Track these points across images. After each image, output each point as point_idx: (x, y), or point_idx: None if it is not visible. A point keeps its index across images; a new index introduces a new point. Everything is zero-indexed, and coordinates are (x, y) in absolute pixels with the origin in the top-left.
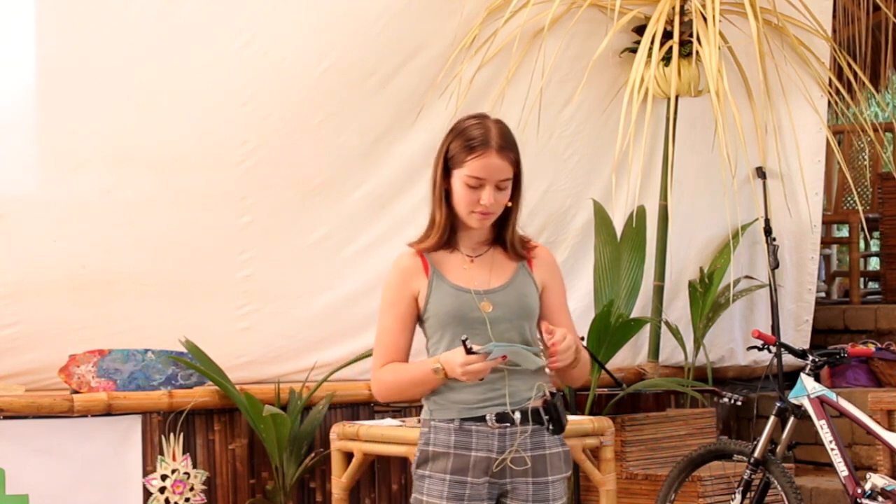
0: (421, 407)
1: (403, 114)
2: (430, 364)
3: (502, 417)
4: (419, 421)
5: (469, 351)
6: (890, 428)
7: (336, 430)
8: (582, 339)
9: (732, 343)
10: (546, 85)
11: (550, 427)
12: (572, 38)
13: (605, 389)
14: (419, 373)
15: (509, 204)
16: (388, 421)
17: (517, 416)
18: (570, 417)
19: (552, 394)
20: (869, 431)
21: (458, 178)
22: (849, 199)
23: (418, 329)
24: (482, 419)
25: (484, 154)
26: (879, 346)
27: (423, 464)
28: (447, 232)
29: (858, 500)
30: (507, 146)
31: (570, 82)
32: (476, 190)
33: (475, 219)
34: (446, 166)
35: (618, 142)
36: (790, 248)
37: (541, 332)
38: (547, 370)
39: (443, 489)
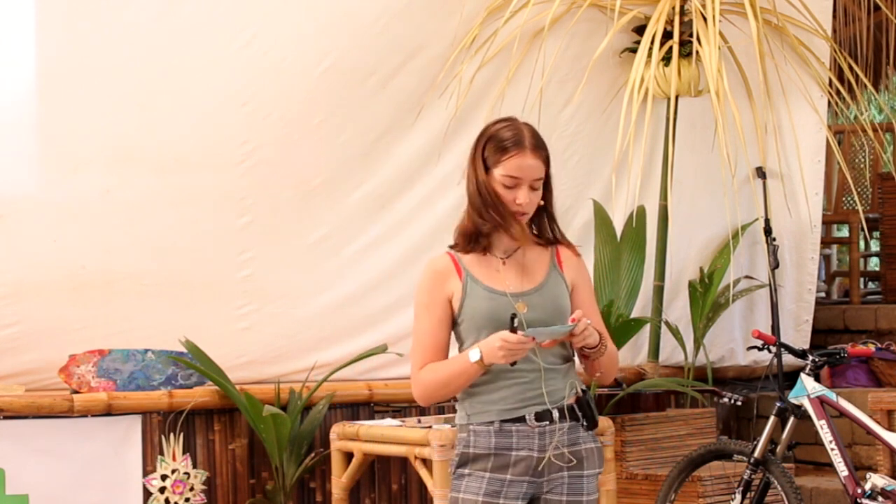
0: (419, 409)
1: (403, 114)
2: (468, 352)
3: (541, 415)
4: (419, 421)
5: (513, 329)
6: (890, 428)
7: (336, 430)
8: None
9: (732, 343)
10: (546, 85)
11: (585, 423)
12: (572, 38)
13: (605, 389)
14: (458, 364)
15: (541, 203)
16: (388, 421)
17: (555, 413)
18: None
19: (583, 391)
20: (869, 431)
21: (493, 179)
22: (849, 199)
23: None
24: (521, 419)
25: (518, 154)
26: (879, 346)
27: (463, 465)
28: (492, 233)
29: (858, 500)
30: (540, 145)
31: (570, 82)
32: (511, 190)
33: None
34: (486, 168)
35: (618, 142)
36: (790, 248)
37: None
38: (577, 362)
39: (480, 486)
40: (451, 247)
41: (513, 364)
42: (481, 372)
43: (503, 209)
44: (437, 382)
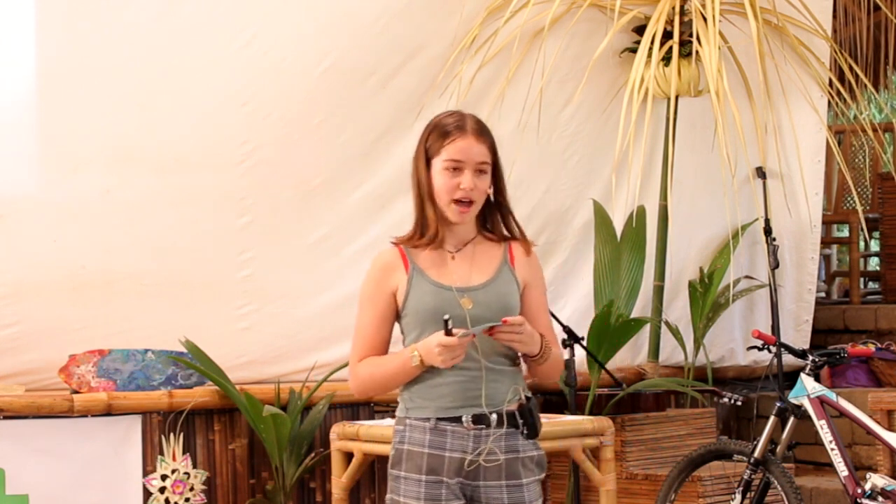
0: None
1: (403, 114)
2: (407, 352)
3: (478, 419)
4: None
5: (448, 331)
6: (890, 428)
7: (336, 430)
8: (581, 339)
9: (732, 343)
10: (546, 85)
11: (525, 431)
12: (572, 38)
13: (605, 389)
14: (396, 363)
15: (489, 192)
16: (388, 421)
17: (493, 418)
18: (570, 417)
19: (527, 398)
20: (869, 431)
21: (438, 166)
22: (849, 199)
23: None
24: (458, 419)
25: (460, 136)
26: (879, 346)
27: (397, 464)
28: (437, 226)
29: (858, 500)
30: (483, 131)
31: (570, 82)
32: (455, 175)
33: (454, 211)
34: (426, 159)
35: (618, 142)
36: (790, 248)
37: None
38: (520, 366)
39: (419, 490)
40: (399, 239)
41: (451, 373)
42: (418, 371)
43: (442, 199)
44: (374, 378)
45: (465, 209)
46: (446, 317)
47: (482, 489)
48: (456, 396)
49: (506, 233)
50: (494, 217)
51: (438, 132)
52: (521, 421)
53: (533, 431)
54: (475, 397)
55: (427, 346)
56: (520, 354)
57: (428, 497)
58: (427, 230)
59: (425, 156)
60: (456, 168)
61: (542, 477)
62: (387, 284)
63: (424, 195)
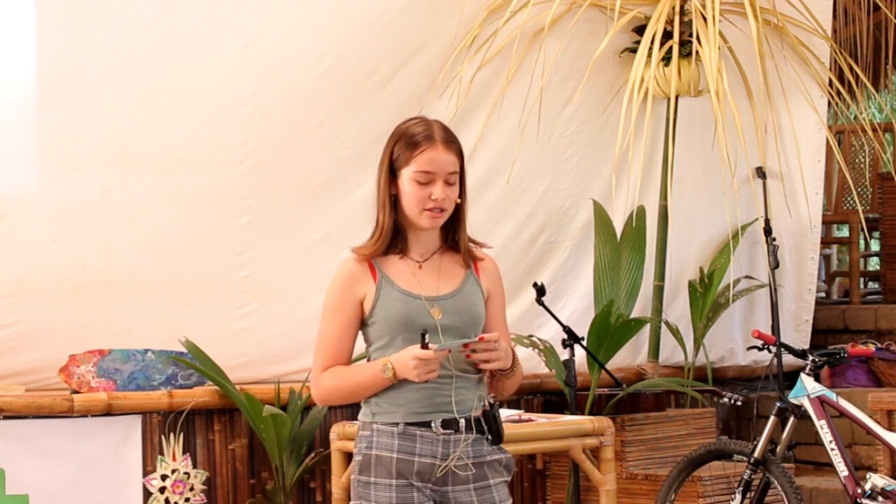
0: None
1: (403, 114)
2: (378, 364)
3: (448, 424)
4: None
5: (424, 345)
6: (890, 428)
7: (336, 430)
8: (581, 339)
9: (732, 343)
10: (546, 85)
11: (489, 437)
12: (572, 38)
13: (605, 389)
14: (366, 374)
15: (458, 201)
16: None
17: (462, 423)
18: (570, 417)
19: (491, 404)
20: (869, 431)
21: (407, 176)
22: (849, 199)
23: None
24: (427, 424)
25: (430, 147)
26: (879, 346)
27: (366, 469)
28: (390, 235)
29: (858, 500)
30: (451, 139)
31: (570, 82)
32: (426, 186)
33: (427, 218)
34: (391, 169)
35: (618, 142)
36: (790, 248)
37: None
38: (484, 376)
39: (391, 494)
40: (363, 247)
41: (425, 382)
42: (389, 384)
43: (413, 210)
44: (341, 389)
45: (437, 216)
46: (424, 331)
47: (451, 494)
48: (425, 402)
49: (472, 255)
50: (456, 227)
51: (406, 142)
52: (485, 427)
53: (497, 437)
54: (444, 403)
55: (402, 359)
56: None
57: (400, 501)
58: (381, 239)
59: (391, 166)
60: (427, 181)
61: (509, 479)
62: (354, 293)
63: (381, 204)
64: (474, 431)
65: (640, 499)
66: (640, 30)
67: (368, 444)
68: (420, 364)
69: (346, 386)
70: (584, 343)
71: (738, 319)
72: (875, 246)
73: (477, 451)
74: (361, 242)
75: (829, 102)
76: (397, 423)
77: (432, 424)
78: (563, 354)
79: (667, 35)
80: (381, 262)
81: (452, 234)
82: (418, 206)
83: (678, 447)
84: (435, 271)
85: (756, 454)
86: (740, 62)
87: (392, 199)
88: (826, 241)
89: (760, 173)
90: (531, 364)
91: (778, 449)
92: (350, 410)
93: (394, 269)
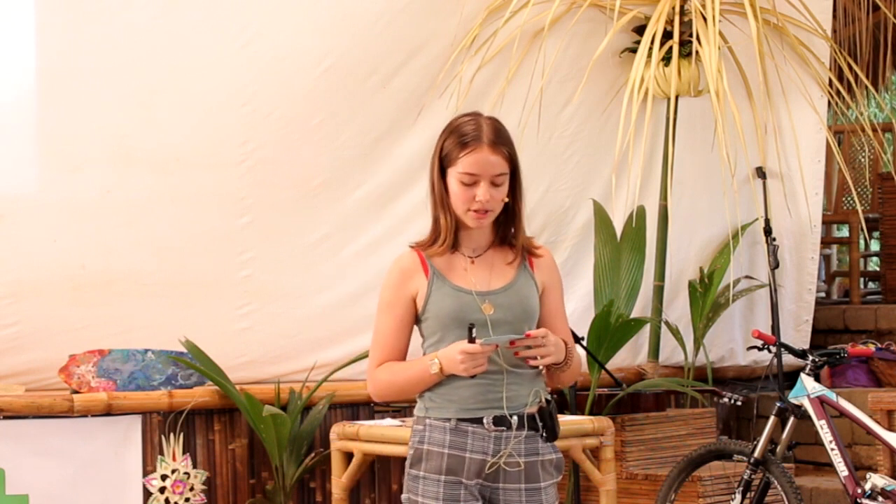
0: None
1: (403, 114)
2: (427, 360)
3: (499, 420)
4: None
5: (472, 339)
6: (890, 428)
7: (336, 430)
8: (581, 339)
9: (732, 343)
10: (546, 85)
11: (544, 434)
12: (572, 38)
13: (605, 389)
14: (416, 370)
15: (507, 200)
16: (388, 421)
17: (514, 420)
18: (570, 417)
19: (547, 401)
20: (869, 431)
21: (453, 176)
22: (849, 199)
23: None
24: (479, 420)
25: (476, 149)
26: (879, 346)
27: (416, 463)
28: (452, 233)
29: (858, 500)
30: (500, 141)
31: (570, 82)
32: (471, 187)
33: (472, 217)
34: (441, 166)
35: (618, 142)
36: (790, 248)
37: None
38: (541, 370)
39: (438, 490)
40: (418, 244)
41: (473, 377)
42: (438, 380)
43: (459, 209)
44: (393, 385)
45: (482, 216)
46: (472, 324)
47: (501, 491)
48: (477, 398)
49: (527, 250)
50: (508, 224)
51: (455, 140)
52: (540, 424)
53: (552, 434)
54: (496, 399)
55: (449, 354)
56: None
57: (446, 497)
58: (440, 237)
59: (440, 163)
60: (472, 182)
61: (559, 479)
62: (407, 289)
63: (437, 203)
64: (527, 428)
65: (640, 499)
66: (640, 30)
67: (420, 438)
68: (467, 358)
69: (398, 381)
70: (584, 343)
71: (738, 319)
72: (875, 246)
73: (530, 448)
74: (422, 238)
75: (829, 102)
76: (449, 419)
77: (484, 420)
78: (581, 354)
79: (667, 35)
80: (434, 259)
81: (504, 230)
82: (463, 206)
83: (678, 447)
84: (487, 267)
85: (756, 454)
86: (740, 62)
87: (443, 197)
88: (826, 241)
89: (760, 173)
90: None
91: (778, 449)
92: (350, 411)
93: (446, 265)
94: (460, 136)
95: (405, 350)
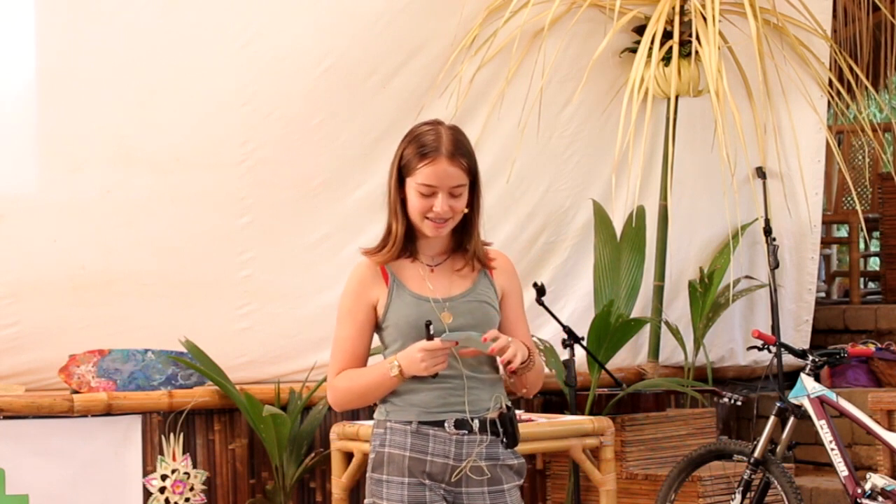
0: None
1: (403, 114)
2: (387, 363)
3: (461, 424)
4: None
5: (430, 337)
6: (890, 428)
7: (336, 430)
8: (581, 339)
9: (732, 343)
10: (546, 85)
11: (504, 440)
12: (572, 38)
13: (605, 389)
14: (375, 375)
15: (466, 210)
16: None
17: (476, 424)
18: (570, 417)
19: (508, 407)
20: (869, 431)
21: (412, 186)
22: (849, 199)
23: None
24: (440, 424)
25: (434, 161)
26: (879, 346)
27: (378, 467)
28: (402, 242)
29: (858, 500)
30: (459, 152)
31: (570, 82)
32: (428, 198)
33: (429, 227)
34: (400, 174)
35: (618, 142)
36: (790, 248)
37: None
38: (503, 375)
39: (403, 493)
40: (367, 250)
41: (434, 376)
42: (398, 383)
43: (415, 217)
44: (353, 391)
45: (439, 226)
46: (429, 321)
47: (464, 495)
48: (438, 402)
49: (482, 261)
50: (465, 231)
51: (414, 150)
52: (501, 430)
53: (513, 440)
54: (458, 403)
55: (409, 354)
56: (499, 363)
57: (412, 500)
58: (388, 244)
59: (399, 172)
60: (429, 193)
61: (521, 483)
62: (367, 297)
63: (392, 210)
64: (489, 433)
65: (640, 499)
66: (640, 30)
67: (382, 441)
68: (427, 356)
69: (357, 387)
70: (584, 343)
71: (738, 319)
72: (875, 246)
73: (491, 453)
74: (372, 244)
75: (829, 102)
76: (411, 422)
77: (445, 424)
78: (563, 354)
79: (667, 35)
80: (393, 266)
81: (462, 238)
82: (420, 216)
83: (678, 447)
84: (447, 275)
85: (756, 454)
86: (740, 62)
87: (401, 204)
88: (826, 241)
89: (760, 173)
90: None
91: (778, 449)
92: (350, 411)
93: (405, 273)
94: (420, 146)
95: (365, 358)
